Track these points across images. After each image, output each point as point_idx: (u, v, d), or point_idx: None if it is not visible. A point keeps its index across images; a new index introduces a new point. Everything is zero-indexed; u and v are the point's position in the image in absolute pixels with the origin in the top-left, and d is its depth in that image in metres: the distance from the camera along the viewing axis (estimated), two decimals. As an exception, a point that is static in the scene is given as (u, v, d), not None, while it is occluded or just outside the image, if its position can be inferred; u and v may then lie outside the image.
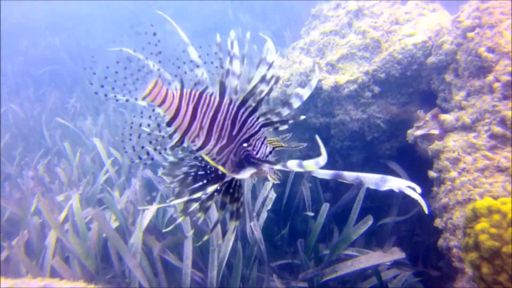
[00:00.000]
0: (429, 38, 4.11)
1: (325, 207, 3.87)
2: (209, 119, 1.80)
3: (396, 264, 3.66)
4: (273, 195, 3.91)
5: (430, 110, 3.73)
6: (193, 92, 1.81)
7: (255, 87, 1.81)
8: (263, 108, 1.86)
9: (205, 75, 1.85)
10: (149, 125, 1.84)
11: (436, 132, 3.34)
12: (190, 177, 1.89)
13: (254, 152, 1.87)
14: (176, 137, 1.85)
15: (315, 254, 3.87)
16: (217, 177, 1.86)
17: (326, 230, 4.36)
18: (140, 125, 1.83)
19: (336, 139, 4.60)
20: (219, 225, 3.55)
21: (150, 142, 1.84)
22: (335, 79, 4.23)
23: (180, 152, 1.98)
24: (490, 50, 3.28)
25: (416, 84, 4.29)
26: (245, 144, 1.84)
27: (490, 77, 3.25)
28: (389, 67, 4.15)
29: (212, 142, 1.83)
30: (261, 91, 1.80)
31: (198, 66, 1.86)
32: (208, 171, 1.90)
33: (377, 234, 4.48)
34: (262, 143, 1.87)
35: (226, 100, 1.82)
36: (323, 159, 1.33)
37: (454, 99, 3.56)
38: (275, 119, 1.85)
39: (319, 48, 4.81)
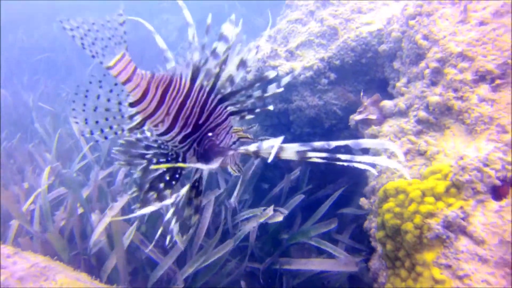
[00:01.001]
0: (384, 27, 4.16)
1: (299, 198, 4.01)
2: (177, 106, 1.72)
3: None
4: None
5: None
6: (165, 76, 1.72)
7: (221, 70, 1.73)
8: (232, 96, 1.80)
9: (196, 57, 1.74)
10: (108, 100, 1.72)
11: (374, 117, 3.42)
12: (151, 163, 1.83)
13: (217, 142, 1.82)
14: (137, 119, 1.75)
15: (274, 240, 3.98)
16: (177, 163, 1.80)
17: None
18: (98, 97, 1.70)
19: (296, 125, 4.70)
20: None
21: (107, 119, 1.72)
22: (291, 66, 4.33)
23: (138, 134, 1.89)
24: (425, 37, 3.33)
25: (373, 72, 4.34)
26: (210, 134, 1.78)
27: (422, 64, 3.30)
28: (343, 54, 4.22)
29: (176, 129, 1.75)
30: (231, 76, 1.75)
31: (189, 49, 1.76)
32: (169, 158, 1.85)
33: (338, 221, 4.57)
34: (227, 133, 1.82)
35: (197, 86, 1.73)
36: (278, 140, 1.36)
37: (396, 86, 3.61)
38: (243, 106, 1.81)
39: (284, 36, 4.91)
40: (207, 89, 1.75)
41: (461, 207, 2.43)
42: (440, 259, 2.40)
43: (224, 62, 1.74)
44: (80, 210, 3.88)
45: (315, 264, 3.57)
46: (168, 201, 1.55)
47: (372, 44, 4.18)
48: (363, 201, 3.27)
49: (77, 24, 1.61)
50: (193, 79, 1.74)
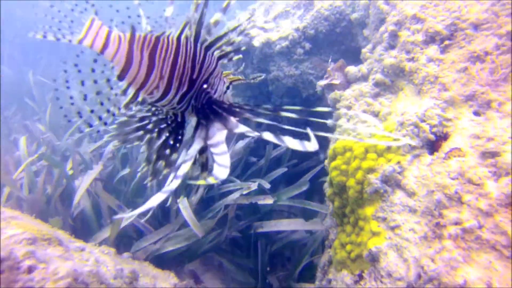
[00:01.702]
0: (356, -5, 4.19)
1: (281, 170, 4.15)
2: (169, 66, 1.58)
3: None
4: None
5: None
6: (148, 36, 1.55)
7: (202, 14, 1.59)
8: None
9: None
10: (95, 82, 1.54)
11: (337, 82, 3.50)
12: (154, 135, 1.74)
13: (213, 91, 1.73)
14: (131, 92, 1.60)
15: (254, 208, 4.13)
16: (178, 125, 1.75)
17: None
18: (82, 83, 1.53)
19: (275, 96, 4.81)
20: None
21: (102, 104, 1.56)
22: (267, 36, 4.42)
23: (134, 107, 1.73)
24: (386, 2, 3.37)
25: (348, 41, 4.40)
26: (205, 86, 1.68)
27: (382, 28, 3.36)
28: (317, 23, 4.28)
29: (172, 91, 1.63)
30: (217, 21, 1.63)
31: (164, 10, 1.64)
32: (169, 122, 1.76)
33: (319, 191, 4.70)
34: (220, 79, 1.74)
35: (183, 39, 1.60)
36: (313, 145, 1.37)
37: (362, 52, 3.68)
38: (229, 48, 1.70)
39: (266, 9, 4.98)
40: (192, 39, 1.62)
41: (398, 162, 2.53)
42: (378, 212, 2.52)
43: (206, 5, 1.59)
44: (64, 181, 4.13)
45: (284, 225, 3.72)
46: (174, 184, 1.41)
47: (346, 13, 4.22)
48: (326, 163, 3.38)
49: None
50: (179, 35, 1.60)
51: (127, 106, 1.63)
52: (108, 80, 1.57)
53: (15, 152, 4.77)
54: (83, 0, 1.51)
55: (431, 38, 2.90)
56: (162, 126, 1.76)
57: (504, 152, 2.14)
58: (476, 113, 2.45)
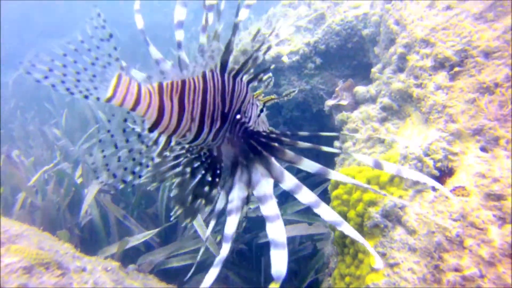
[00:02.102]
0: (369, 10, 4.08)
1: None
2: (199, 106, 1.51)
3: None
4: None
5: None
6: (175, 81, 1.48)
7: (229, 43, 1.53)
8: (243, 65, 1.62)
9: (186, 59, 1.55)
10: (127, 141, 1.49)
11: (345, 102, 3.43)
12: (187, 176, 1.65)
13: (247, 119, 1.64)
14: (163, 139, 1.54)
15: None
16: (214, 159, 1.66)
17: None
18: (116, 146, 1.47)
19: (285, 109, 4.75)
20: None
21: (133, 159, 1.50)
22: (278, 50, 4.36)
23: (168, 153, 1.67)
24: (396, 22, 3.27)
25: (360, 57, 4.30)
26: (238, 116, 1.59)
27: (392, 49, 3.25)
28: (328, 38, 4.19)
29: (205, 130, 1.55)
30: (245, 49, 1.67)
31: (180, 47, 1.60)
32: (204, 159, 1.66)
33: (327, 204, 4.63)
34: (252, 104, 1.66)
35: (208, 74, 1.52)
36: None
37: (371, 72, 3.58)
38: (255, 70, 1.64)
39: (278, 20, 4.91)
40: (218, 71, 1.55)
41: (400, 197, 2.45)
42: (377, 247, 2.45)
43: (234, 33, 1.53)
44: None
45: (288, 231, 3.69)
46: (225, 251, 1.31)
47: (358, 28, 4.12)
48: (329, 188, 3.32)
49: (48, 65, 1.30)
50: (204, 72, 1.53)
51: (160, 154, 1.57)
52: (139, 136, 1.51)
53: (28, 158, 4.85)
54: (103, 55, 1.39)
55: (440, 64, 2.79)
56: (196, 165, 1.68)
57: (509, 195, 2.03)
58: (483, 149, 2.34)
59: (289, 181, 1.41)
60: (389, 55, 3.31)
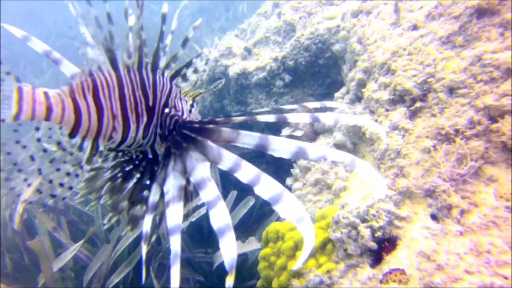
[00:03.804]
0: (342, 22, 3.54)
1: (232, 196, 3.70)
2: (118, 102, 1.42)
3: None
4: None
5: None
6: (83, 79, 1.39)
7: (140, 36, 1.45)
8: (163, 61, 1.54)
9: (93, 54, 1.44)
10: (45, 151, 1.41)
11: (299, 133, 2.92)
12: (118, 180, 1.54)
13: (179, 113, 1.55)
14: (88, 144, 1.43)
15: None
16: (150, 161, 1.55)
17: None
18: (32, 158, 1.39)
19: (255, 130, 4.26)
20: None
21: (58, 170, 1.42)
22: (243, 66, 3.88)
23: (98, 159, 1.53)
24: (359, 40, 2.73)
25: (334, 74, 3.77)
26: (166, 110, 1.51)
27: (352, 74, 2.72)
28: (296, 54, 3.68)
29: (132, 127, 1.45)
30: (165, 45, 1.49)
31: (88, 45, 1.47)
32: (136, 162, 1.57)
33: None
34: (181, 99, 1.57)
35: (123, 70, 1.44)
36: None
37: (335, 96, 3.06)
38: (178, 66, 1.56)
39: (252, 31, 4.43)
40: (135, 66, 1.46)
41: (329, 271, 1.94)
42: (301, 330, 1.95)
43: (141, 28, 1.44)
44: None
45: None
46: (175, 220, 1.22)
47: (331, 42, 3.59)
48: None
49: None
50: (115, 65, 1.43)
51: (89, 161, 1.44)
52: (59, 143, 1.39)
53: None
54: None
55: (400, 97, 2.25)
56: (127, 168, 1.55)
57: (453, 294, 1.50)
58: (434, 217, 1.81)
59: (228, 160, 1.26)
60: (349, 79, 2.77)
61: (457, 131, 1.88)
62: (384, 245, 1.87)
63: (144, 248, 1.27)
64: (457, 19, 2.11)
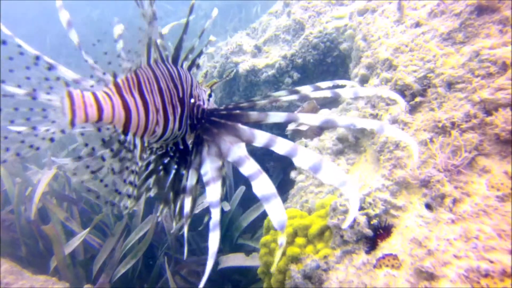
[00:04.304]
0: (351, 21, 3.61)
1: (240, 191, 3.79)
2: (158, 95, 1.45)
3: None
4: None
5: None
6: (128, 75, 1.40)
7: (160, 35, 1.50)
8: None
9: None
10: (112, 150, 1.40)
11: (304, 128, 2.99)
12: (161, 173, 1.59)
13: (201, 102, 1.58)
14: (138, 141, 1.44)
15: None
16: (182, 152, 1.60)
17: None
18: (103, 158, 1.39)
19: (264, 126, 4.34)
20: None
21: (127, 168, 1.44)
22: (253, 63, 3.97)
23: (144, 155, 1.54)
24: (364, 38, 2.79)
25: (342, 73, 3.83)
26: (192, 100, 1.55)
27: (356, 70, 2.79)
28: (304, 52, 3.76)
29: (171, 118, 1.48)
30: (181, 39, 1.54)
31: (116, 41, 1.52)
32: (172, 154, 1.61)
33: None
34: (200, 89, 1.61)
35: (152, 63, 1.47)
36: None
37: (341, 93, 3.12)
38: (191, 55, 1.61)
39: (263, 29, 4.52)
40: (159, 59, 1.49)
41: (326, 256, 2.01)
42: (297, 314, 2.02)
43: (154, 19, 1.42)
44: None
45: (229, 261, 3.35)
46: (216, 215, 1.25)
47: (339, 41, 3.66)
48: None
49: None
50: (149, 59, 1.46)
51: (141, 156, 1.45)
52: (119, 141, 1.40)
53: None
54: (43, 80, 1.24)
55: (400, 92, 2.31)
56: (165, 161, 1.60)
57: (442, 277, 1.55)
58: (428, 206, 1.86)
59: (262, 137, 1.31)
60: (353, 75, 2.84)
61: (453, 124, 1.94)
62: (380, 232, 1.93)
63: (186, 228, 1.36)
64: (458, 16, 2.17)
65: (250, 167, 1.25)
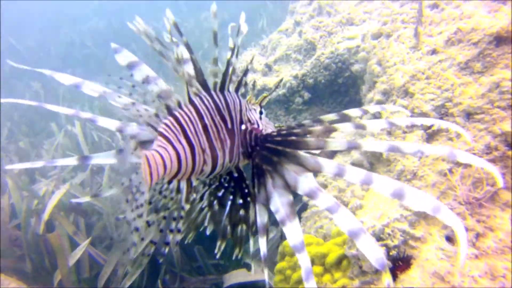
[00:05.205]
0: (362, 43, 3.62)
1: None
2: (203, 133, 1.39)
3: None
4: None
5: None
6: (169, 119, 1.37)
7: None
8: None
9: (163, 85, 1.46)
10: (150, 203, 1.42)
11: (317, 151, 2.98)
12: (216, 207, 1.54)
13: (255, 126, 1.51)
14: (183, 185, 1.43)
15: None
16: (237, 180, 1.55)
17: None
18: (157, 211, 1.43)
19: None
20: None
21: (164, 218, 1.45)
22: (263, 82, 3.98)
23: (194, 195, 1.54)
24: (379, 62, 2.80)
25: (353, 94, 3.83)
26: (243, 127, 1.48)
27: (370, 94, 2.79)
28: (316, 72, 3.76)
29: (220, 154, 1.44)
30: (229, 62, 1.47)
31: (149, 83, 1.47)
32: (226, 184, 1.56)
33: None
34: (250, 109, 1.55)
35: (196, 99, 1.42)
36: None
37: (353, 116, 3.12)
38: (236, 77, 1.54)
39: (272, 47, 4.53)
40: (203, 92, 1.44)
41: (344, 287, 1.98)
42: None
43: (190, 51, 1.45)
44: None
45: (232, 278, 3.31)
46: (305, 261, 1.18)
47: (350, 62, 3.67)
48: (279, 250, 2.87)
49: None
50: (189, 96, 1.43)
51: (188, 199, 1.44)
52: (160, 192, 1.41)
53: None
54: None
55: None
56: (220, 193, 1.54)
57: (466, 315, 1.53)
58: (449, 239, 1.84)
59: (329, 166, 1.24)
60: (368, 100, 2.84)
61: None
62: (399, 264, 1.91)
63: (266, 273, 1.30)
64: (476, 46, 2.17)
65: (326, 200, 1.18)
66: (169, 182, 1.39)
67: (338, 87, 3.81)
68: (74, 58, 10.84)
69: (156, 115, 1.34)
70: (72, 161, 1.48)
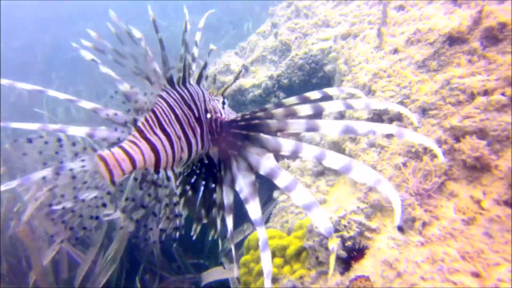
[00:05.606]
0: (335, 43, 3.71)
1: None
2: (177, 123, 1.49)
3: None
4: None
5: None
6: (146, 115, 1.46)
7: (164, 57, 1.53)
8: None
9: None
10: (149, 195, 1.50)
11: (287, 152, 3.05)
12: (189, 193, 1.63)
13: (218, 114, 1.59)
14: (171, 173, 1.52)
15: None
16: (208, 166, 1.63)
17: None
18: (143, 206, 1.50)
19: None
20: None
21: (167, 205, 1.53)
22: (240, 83, 4.04)
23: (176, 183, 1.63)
24: (345, 62, 2.88)
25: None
26: (208, 116, 1.57)
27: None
28: (290, 72, 3.84)
29: (193, 141, 1.53)
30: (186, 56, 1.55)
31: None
32: (198, 171, 1.65)
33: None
34: (213, 100, 1.62)
35: (163, 93, 1.51)
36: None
37: (322, 115, 3.20)
38: (197, 70, 1.63)
39: (251, 49, 4.61)
40: (168, 86, 1.53)
41: (301, 277, 2.05)
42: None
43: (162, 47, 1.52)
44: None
45: (209, 276, 3.35)
46: (257, 213, 1.27)
47: (324, 62, 3.75)
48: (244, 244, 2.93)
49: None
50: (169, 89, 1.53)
51: (178, 186, 1.56)
52: (154, 183, 1.48)
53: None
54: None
55: (378, 117, 2.39)
56: (192, 180, 1.62)
57: (409, 299, 1.60)
58: (400, 229, 1.92)
59: (287, 145, 1.30)
60: (335, 99, 2.91)
61: (425, 149, 2.01)
62: (354, 254, 1.98)
63: (232, 246, 1.42)
64: (432, 45, 2.26)
65: (285, 178, 1.25)
66: (157, 172, 1.45)
67: (312, 87, 3.89)
68: (60, 60, 10.84)
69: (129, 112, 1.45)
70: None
